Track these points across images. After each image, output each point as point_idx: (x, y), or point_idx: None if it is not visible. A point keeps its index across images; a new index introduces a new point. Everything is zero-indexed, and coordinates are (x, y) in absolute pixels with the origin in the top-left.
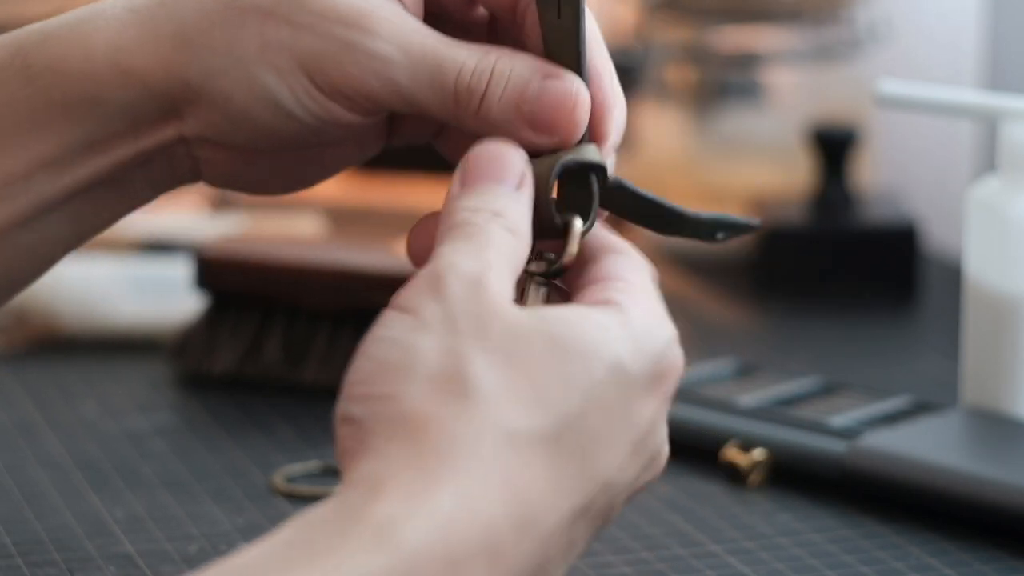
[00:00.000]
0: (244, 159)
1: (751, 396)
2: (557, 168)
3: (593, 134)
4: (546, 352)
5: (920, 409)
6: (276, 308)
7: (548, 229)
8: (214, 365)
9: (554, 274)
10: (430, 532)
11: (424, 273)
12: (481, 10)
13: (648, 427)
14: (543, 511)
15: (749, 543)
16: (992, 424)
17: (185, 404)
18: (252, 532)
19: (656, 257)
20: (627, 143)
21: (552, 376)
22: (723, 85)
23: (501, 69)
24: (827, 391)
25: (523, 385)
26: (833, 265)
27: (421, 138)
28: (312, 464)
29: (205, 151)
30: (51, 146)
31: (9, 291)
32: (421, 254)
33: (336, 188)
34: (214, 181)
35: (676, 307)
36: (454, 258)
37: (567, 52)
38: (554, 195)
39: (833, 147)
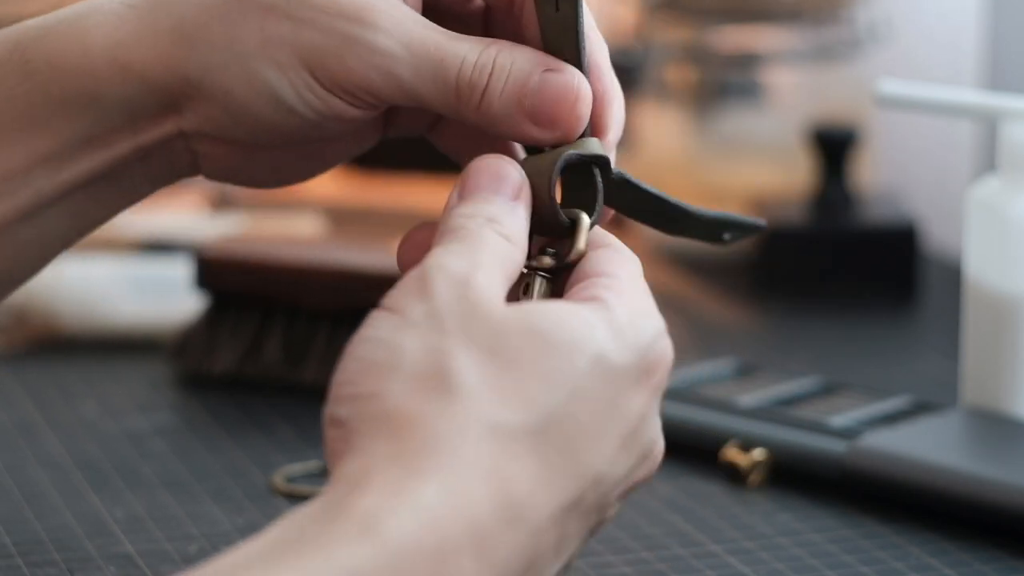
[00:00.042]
0: (243, 153)
1: (751, 396)
2: (560, 162)
3: (594, 128)
4: (529, 347)
5: (920, 409)
6: (276, 308)
7: (553, 226)
8: (214, 365)
9: (561, 270)
10: (415, 524)
11: (413, 273)
12: (478, 1)
13: (638, 420)
14: (530, 505)
15: (749, 543)
16: (992, 424)
17: (185, 404)
18: (252, 532)
19: (656, 257)
20: (627, 143)
21: (535, 371)
22: (723, 85)
23: (502, 63)
24: (827, 391)
25: (506, 380)
26: (833, 265)
27: (417, 130)
28: (312, 464)
29: (204, 146)
30: (50, 141)
31: (9, 286)
32: (410, 265)
33: (336, 188)
34: (213, 175)
35: (676, 307)
36: (444, 259)
37: (566, 45)
38: (559, 191)
39: (833, 147)
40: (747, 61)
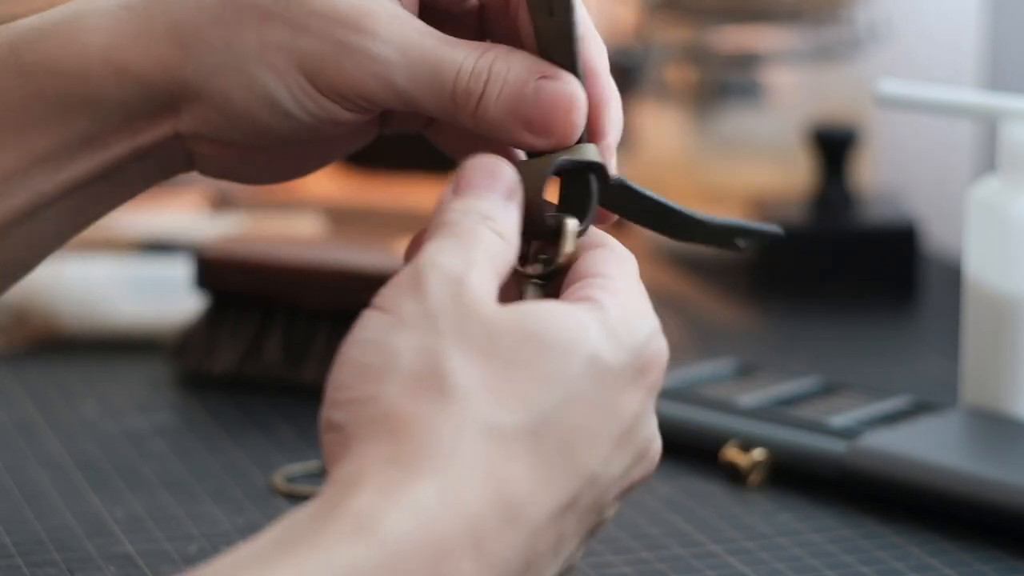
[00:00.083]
0: (239, 153)
1: (751, 396)
2: (550, 168)
3: (590, 133)
4: (523, 348)
5: (920, 409)
6: (276, 308)
7: (543, 231)
8: (214, 365)
9: (550, 275)
10: (412, 524)
11: (406, 271)
12: (474, 0)
13: (633, 419)
14: (527, 504)
15: (749, 543)
16: (992, 424)
17: (185, 404)
18: (252, 532)
19: (656, 257)
20: (627, 143)
21: (530, 372)
22: (723, 85)
23: (498, 70)
24: (827, 391)
25: (502, 381)
26: (833, 265)
27: (413, 128)
28: (312, 464)
29: (200, 146)
30: (47, 142)
31: (6, 282)
32: None
33: (336, 188)
34: (208, 172)
35: (676, 307)
36: (437, 257)
37: (561, 51)
38: (555, 195)
39: (833, 147)
40: (747, 61)
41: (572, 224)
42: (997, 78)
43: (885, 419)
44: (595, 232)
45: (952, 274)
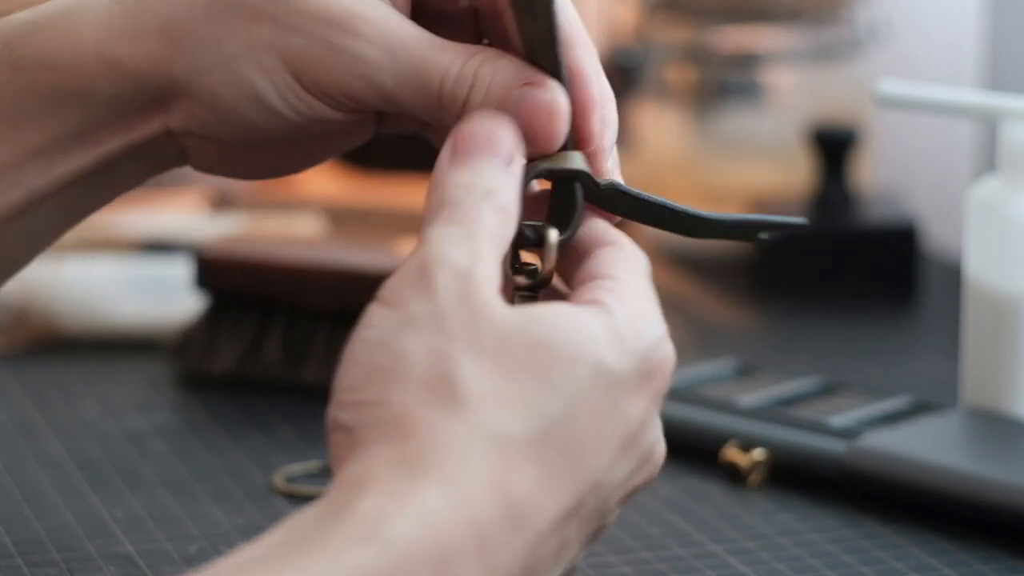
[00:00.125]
0: (231, 150)
1: (751, 396)
2: (528, 177)
3: (577, 138)
4: (532, 355)
5: (920, 409)
6: (276, 308)
7: (524, 241)
8: (214, 365)
9: (537, 287)
10: (418, 529)
11: (412, 264)
12: (465, 1)
13: (637, 426)
14: (532, 512)
15: (749, 543)
16: (992, 424)
17: (185, 404)
18: (252, 532)
19: (656, 257)
20: (627, 143)
21: (537, 379)
22: (723, 85)
23: (483, 75)
24: (827, 391)
25: (510, 389)
26: (833, 265)
27: (410, 127)
28: (312, 464)
29: (192, 142)
30: (41, 136)
31: (1, 277)
32: None
33: (336, 188)
34: (201, 168)
35: (676, 307)
36: (444, 248)
37: (545, 56)
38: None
39: (833, 147)
40: (747, 61)
41: (553, 235)
42: (997, 78)
43: (885, 419)
44: (606, 229)
45: (952, 274)
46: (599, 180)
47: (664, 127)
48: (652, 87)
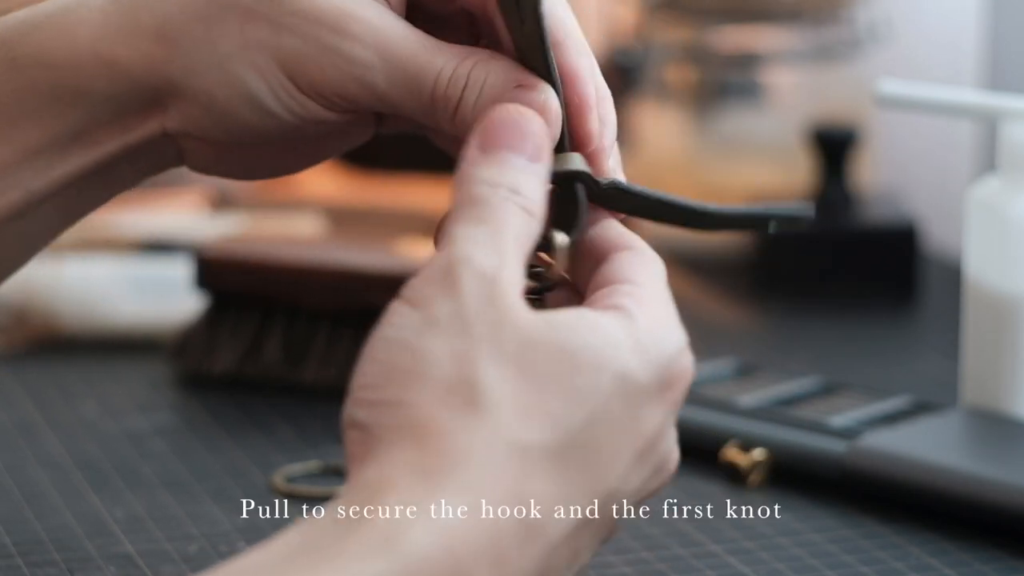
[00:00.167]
0: (228, 150)
1: (751, 396)
2: None
3: (572, 140)
4: (555, 362)
5: (920, 409)
6: (276, 308)
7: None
8: (214, 365)
9: (545, 290)
10: (435, 538)
11: (437, 263)
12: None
13: (655, 435)
14: (549, 521)
15: (749, 543)
16: (992, 424)
17: (185, 404)
18: (252, 532)
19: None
20: (627, 143)
21: (560, 388)
22: (723, 85)
23: (476, 77)
24: (827, 391)
25: (532, 398)
26: (833, 265)
27: (410, 127)
28: (312, 464)
29: (189, 143)
30: (39, 136)
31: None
32: None
33: (336, 188)
34: (198, 168)
35: (676, 307)
36: (469, 249)
37: (536, 59)
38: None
39: (833, 147)
40: (747, 61)
41: (561, 239)
42: (997, 78)
43: (885, 419)
44: (622, 232)
45: (952, 274)
46: (600, 179)
47: (664, 127)
48: (652, 87)
